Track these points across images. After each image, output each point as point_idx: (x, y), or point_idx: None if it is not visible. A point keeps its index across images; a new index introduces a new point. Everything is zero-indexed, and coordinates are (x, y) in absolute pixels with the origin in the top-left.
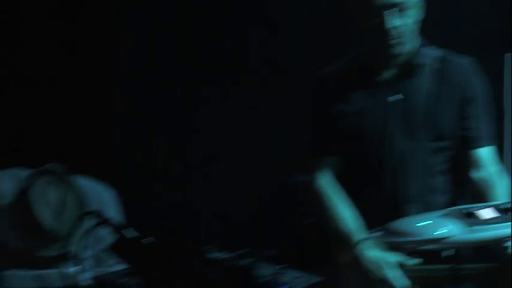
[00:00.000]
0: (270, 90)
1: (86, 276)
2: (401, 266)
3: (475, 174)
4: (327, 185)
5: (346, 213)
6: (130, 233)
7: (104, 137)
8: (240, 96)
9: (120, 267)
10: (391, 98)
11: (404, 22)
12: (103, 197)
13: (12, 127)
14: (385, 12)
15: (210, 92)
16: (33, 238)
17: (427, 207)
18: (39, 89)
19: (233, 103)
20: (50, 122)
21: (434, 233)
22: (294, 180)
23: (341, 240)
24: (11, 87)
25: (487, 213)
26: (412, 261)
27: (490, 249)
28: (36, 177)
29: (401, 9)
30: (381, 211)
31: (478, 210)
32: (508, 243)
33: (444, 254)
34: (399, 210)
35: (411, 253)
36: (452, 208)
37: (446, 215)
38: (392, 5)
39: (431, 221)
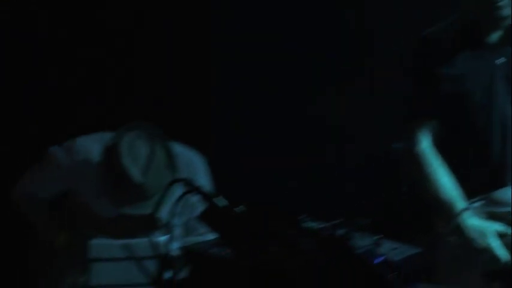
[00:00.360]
0: (369, 53)
1: (176, 246)
2: (503, 236)
3: None
4: (427, 150)
5: (446, 181)
6: (222, 202)
7: (199, 104)
8: (339, 60)
9: (211, 236)
10: (497, 61)
11: None
12: (193, 164)
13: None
14: None
15: (309, 61)
16: (121, 195)
17: None
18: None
19: (333, 67)
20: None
21: None
22: (393, 146)
23: (441, 208)
24: None
25: None
26: None
27: None
28: (125, 132)
29: None
30: (482, 179)
31: None
32: None
33: None
34: (502, 179)
35: None
36: None
37: None
38: None
39: None
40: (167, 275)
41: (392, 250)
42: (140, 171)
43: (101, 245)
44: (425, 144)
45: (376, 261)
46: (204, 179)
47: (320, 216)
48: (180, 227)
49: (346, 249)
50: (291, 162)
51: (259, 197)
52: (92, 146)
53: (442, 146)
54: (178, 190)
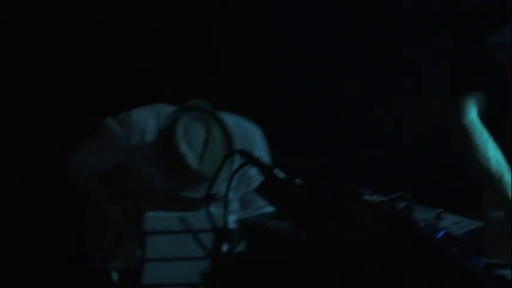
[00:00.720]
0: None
1: (233, 219)
2: None
3: None
4: (475, 122)
5: (495, 153)
6: (280, 174)
7: (257, 76)
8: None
9: (268, 210)
10: None
11: None
12: (250, 136)
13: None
14: None
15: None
16: (177, 179)
17: None
18: None
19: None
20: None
21: None
22: (441, 119)
23: (489, 181)
24: None
25: None
26: None
27: None
28: (181, 114)
29: None
30: None
31: None
32: None
33: None
34: None
35: None
36: None
37: None
38: None
39: None
40: (224, 248)
41: (454, 224)
42: (197, 157)
43: (156, 217)
44: (472, 115)
45: (438, 235)
46: (261, 151)
47: (379, 189)
48: (237, 200)
49: (406, 223)
50: (349, 134)
51: (317, 170)
52: (147, 120)
53: (487, 118)
54: (235, 161)
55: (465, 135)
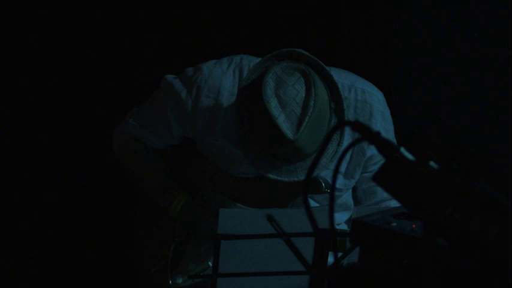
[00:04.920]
0: None
1: (342, 218)
2: None
3: None
4: None
5: None
6: (408, 155)
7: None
8: None
9: (392, 204)
10: None
11: None
12: (369, 102)
13: None
14: None
15: None
16: (264, 155)
17: None
18: None
19: None
20: None
21: None
22: None
23: None
24: None
25: None
26: None
27: None
28: (271, 64)
29: None
30: None
31: None
32: None
33: None
34: None
35: None
36: None
37: None
38: None
39: None
40: (329, 259)
41: None
42: (293, 123)
43: (234, 215)
44: None
45: None
46: (382, 124)
47: None
48: (349, 190)
49: None
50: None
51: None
52: (223, 76)
53: None
54: (345, 137)
55: None
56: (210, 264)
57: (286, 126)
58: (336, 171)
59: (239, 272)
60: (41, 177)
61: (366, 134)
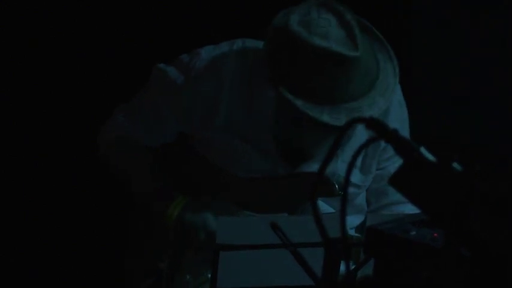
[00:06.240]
0: None
1: (354, 222)
2: None
3: None
4: None
5: None
6: (428, 155)
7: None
8: None
9: (409, 208)
10: None
11: None
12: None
13: None
14: None
15: None
16: (345, 80)
17: None
18: None
19: None
20: None
21: None
22: None
23: None
24: None
25: None
26: None
27: None
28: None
29: None
30: None
31: None
32: None
33: None
34: None
35: None
36: None
37: None
38: None
39: None
40: (341, 270)
41: None
42: (347, 42)
43: (234, 223)
44: None
45: None
46: (399, 113)
47: None
48: (363, 192)
49: None
50: None
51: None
52: (223, 62)
53: None
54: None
55: None
56: (209, 276)
57: (343, 49)
58: (349, 172)
59: (240, 286)
60: (33, 178)
61: (382, 131)
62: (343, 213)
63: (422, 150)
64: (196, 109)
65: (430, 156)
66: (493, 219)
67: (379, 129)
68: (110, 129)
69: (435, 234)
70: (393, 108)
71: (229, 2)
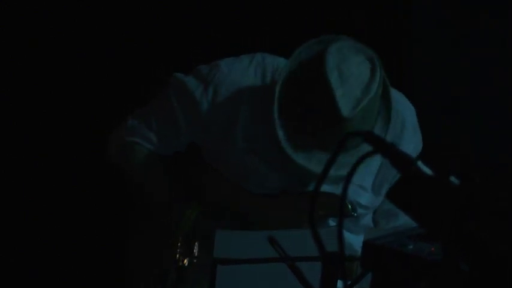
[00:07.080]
0: None
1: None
2: None
3: None
4: None
5: None
6: (425, 169)
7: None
8: None
9: (408, 223)
10: None
11: None
12: (401, 115)
13: None
14: None
15: None
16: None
17: None
18: None
19: None
20: None
21: None
22: None
23: None
24: None
25: None
26: None
27: None
28: (329, 40)
29: None
30: None
31: None
32: None
33: None
34: None
35: None
36: None
37: None
38: None
39: None
40: (337, 283)
41: None
42: (351, 102)
43: (230, 237)
44: None
45: None
46: (413, 138)
47: None
48: (370, 209)
49: None
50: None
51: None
52: (242, 76)
53: None
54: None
55: None
56: None
57: (342, 102)
58: (346, 186)
59: None
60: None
61: (379, 145)
62: (340, 228)
63: (420, 164)
64: (213, 123)
65: (428, 170)
66: (493, 228)
67: (376, 143)
68: (121, 134)
69: (432, 249)
70: (407, 132)
71: (229, 2)
